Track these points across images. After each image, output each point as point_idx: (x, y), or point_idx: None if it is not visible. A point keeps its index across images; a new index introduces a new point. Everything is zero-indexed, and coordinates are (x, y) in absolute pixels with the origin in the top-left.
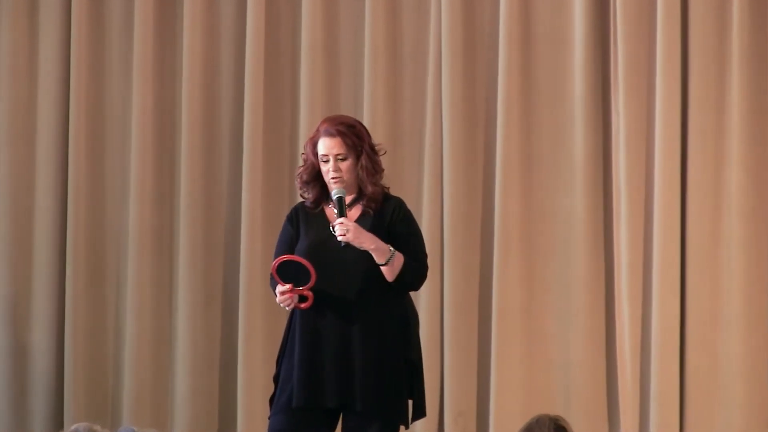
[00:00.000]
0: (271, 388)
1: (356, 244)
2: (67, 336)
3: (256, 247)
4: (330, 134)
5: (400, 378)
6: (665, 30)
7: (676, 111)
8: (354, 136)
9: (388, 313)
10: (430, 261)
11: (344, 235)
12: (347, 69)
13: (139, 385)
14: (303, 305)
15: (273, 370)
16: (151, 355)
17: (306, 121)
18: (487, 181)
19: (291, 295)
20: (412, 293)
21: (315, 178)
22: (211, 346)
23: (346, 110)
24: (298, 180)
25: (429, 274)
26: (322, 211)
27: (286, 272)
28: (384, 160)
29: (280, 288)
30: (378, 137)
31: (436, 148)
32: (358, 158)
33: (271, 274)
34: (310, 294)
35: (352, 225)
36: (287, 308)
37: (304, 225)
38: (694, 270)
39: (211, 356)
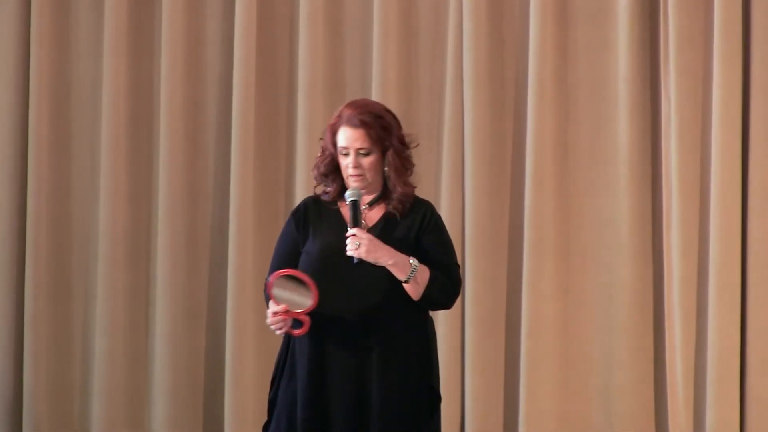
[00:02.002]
0: (264, 415)
1: (371, 260)
2: (27, 358)
3: (246, 253)
4: (353, 124)
5: (422, 409)
6: (724, 1)
7: (737, 96)
8: (380, 129)
9: (408, 336)
10: None
11: (356, 250)
12: (353, 45)
13: (111, 415)
14: (297, 331)
15: (265, 396)
16: (124, 379)
17: (304, 106)
18: (515, 177)
19: (285, 317)
20: None
21: (334, 170)
22: (194, 369)
23: (351, 93)
24: (315, 171)
25: None
26: (338, 210)
27: (283, 289)
28: None
29: (273, 308)
30: None
31: (456, 138)
32: (383, 154)
33: (265, 288)
34: (306, 319)
35: (365, 237)
36: (278, 332)
37: (315, 225)
38: (757, 281)
39: (194, 381)
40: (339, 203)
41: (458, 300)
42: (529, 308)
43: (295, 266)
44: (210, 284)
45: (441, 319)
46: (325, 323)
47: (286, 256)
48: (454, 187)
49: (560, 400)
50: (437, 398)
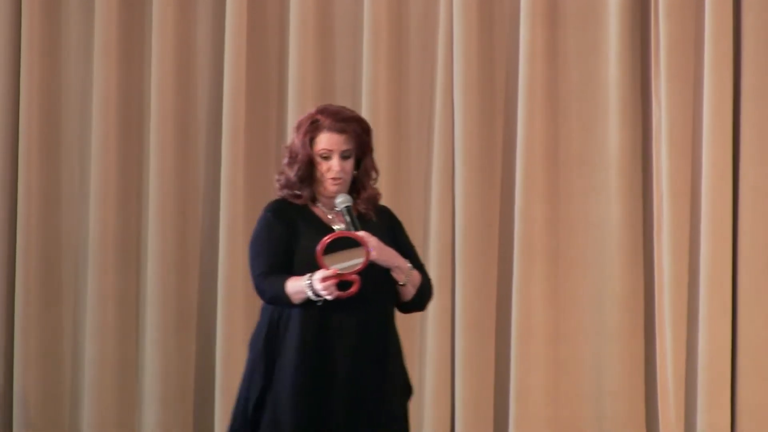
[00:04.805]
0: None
1: (381, 261)
2: (17, 363)
3: (236, 259)
4: (337, 129)
5: (406, 407)
6: (715, 6)
7: (728, 100)
8: (363, 132)
9: (395, 334)
10: (439, 274)
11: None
12: (343, 51)
13: (101, 420)
14: (347, 292)
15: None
16: (114, 385)
17: (294, 112)
18: (506, 181)
19: (336, 280)
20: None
21: (309, 175)
22: (185, 375)
23: (342, 97)
24: (289, 175)
25: (438, 290)
26: (311, 210)
27: (330, 256)
28: (386, 157)
29: (323, 273)
30: (379, 129)
31: (446, 143)
32: (360, 158)
33: (317, 254)
34: (357, 278)
35: (374, 240)
36: (329, 297)
37: (299, 225)
38: (748, 286)
39: (185, 387)
40: (311, 207)
41: (448, 305)
42: (520, 313)
43: (291, 262)
44: (200, 290)
45: (431, 323)
46: (330, 318)
47: (282, 248)
48: (444, 192)
49: (551, 405)
50: (411, 392)
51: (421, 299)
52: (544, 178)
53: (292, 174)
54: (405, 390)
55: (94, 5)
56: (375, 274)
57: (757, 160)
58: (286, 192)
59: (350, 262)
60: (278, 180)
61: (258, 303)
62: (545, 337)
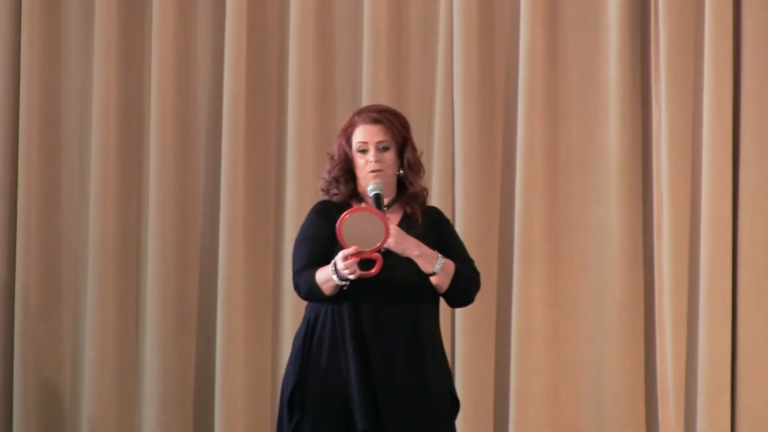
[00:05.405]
0: (256, 424)
1: (398, 251)
2: (17, 365)
3: (236, 260)
4: (372, 120)
5: (452, 424)
6: (715, 7)
7: (728, 102)
8: (399, 124)
9: (437, 335)
10: None
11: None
12: (343, 53)
13: (101, 422)
14: (371, 272)
15: (255, 404)
16: (114, 386)
17: (294, 114)
18: (505, 183)
19: (357, 258)
20: None
21: (346, 173)
22: (184, 377)
23: (342, 98)
24: (326, 177)
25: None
26: None
27: (351, 232)
28: None
29: (345, 251)
30: None
31: (447, 145)
32: (401, 151)
33: (338, 232)
34: (379, 256)
35: (393, 228)
36: (351, 277)
37: None
38: (748, 289)
39: (184, 388)
40: (353, 205)
41: (448, 307)
42: (519, 315)
43: (329, 255)
44: (200, 291)
45: None
46: (362, 317)
47: (323, 244)
48: (444, 194)
49: (551, 407)
50: (457, 404)
51: (459, 289)
52: (544, 180)
53: (332, 173)
54: (449, 400)
55: (94, 5)
56: (405, 270)
57: (757, 162)
58: (326, 194)
59: (373, 240)
60: (321, 183)
61: (258, 304)
62: (545, 339)
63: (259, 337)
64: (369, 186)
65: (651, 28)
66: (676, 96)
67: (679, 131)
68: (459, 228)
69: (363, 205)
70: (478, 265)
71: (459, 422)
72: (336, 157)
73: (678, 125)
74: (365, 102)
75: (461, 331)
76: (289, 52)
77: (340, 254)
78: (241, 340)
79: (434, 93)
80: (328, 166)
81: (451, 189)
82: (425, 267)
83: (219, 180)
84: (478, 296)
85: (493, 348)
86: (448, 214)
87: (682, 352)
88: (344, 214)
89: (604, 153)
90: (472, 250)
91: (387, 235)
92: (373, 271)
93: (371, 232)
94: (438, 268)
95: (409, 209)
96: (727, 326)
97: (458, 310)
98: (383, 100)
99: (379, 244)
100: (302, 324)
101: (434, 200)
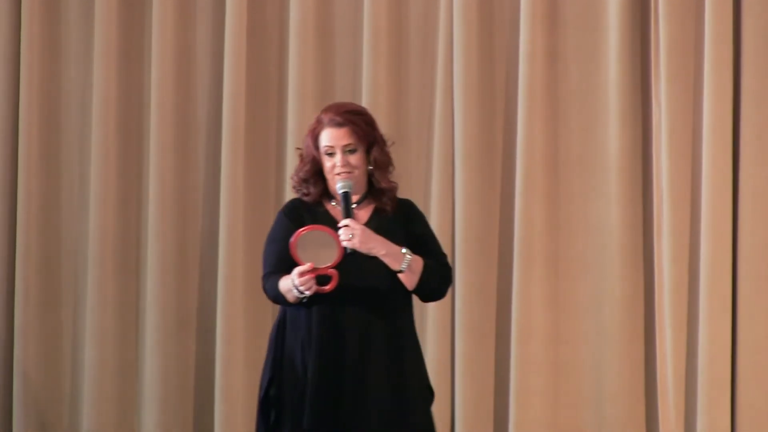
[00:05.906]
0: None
1: (364, 250)
2: (17, 366)
3: (236, 261)
4: (337, 123)
5: (426, 407)
6: (715, 8)
7: (728, 102)
8: (364, 124)
9: (408, 331)
10: None
11: (349, 240)
12: (343, 53)
13: (100, 423)
14: (326, 288)
15: (256, 404)
16: (114, 387)
17: (294, 114)
18: (506, 183)
19: (313, 275)
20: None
21: (315, 174)
22: (184, 378)
23: (342, 98)
24: (294, 178)
25: None
26: (325, 210)
27: (305, 249)
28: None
29: (300, 268)
30: None
31: (446, 146)
32: (369, 150)
33: (291, 247)
34: (334, 272)
35: (358, 228)
36: (307, 293)
37: (311, 220)
38: (748, 288)
39: (184, 390)
40: (325, 204)
41: (448, 307)
42: (519, 315)
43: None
44: (200, 292)
45: (431, 326)
46: (331, 313)
47: (288, 254)
48: (444, 194)
49: (551, 407)
50: (432, 395)
51: (429, 285)
52: (544, 180)
53: (300, 174)
54: (424, 393)
55: (94, 5)
56: (372, 268)
57: (757, 162)
58: (297, 192)
59: (327, 257)
60: (292, 182)
61: (258, 304)
62: (545, 339)
63: (259, 337)
64: (338, 184)
65: (651, 28)
66: (676, 96)
67: (679, 131)
68: (459, 229)
69: (318, 224)
70: (483, 260)
71: (459, 422)
72: (305, 157)
73: (678, 125)
74: (365, 102)
75: (461, 331)
76: (288, 51)
77: (296, 271)
78: (241, 340)
79: (434, 93)
80: (297, 166)
81: (451, 189)
82: (392, 265)
83: (219, 180)
84: (479, 296)
85: (493, 348)
86: (447, 217)
87: (682, 351)
88: (298, 231)
89: (604, 153)
90: (473, 251)
91: (340, 253)
92: (327, 287)
93: (326, 249)
94: (405, 266)
95: (379, 204)
96: (727, 326)
97: (458, 310)
98: (383, 100)
99: (333, 261)
100: (276, 321)
101: (434, 200)
